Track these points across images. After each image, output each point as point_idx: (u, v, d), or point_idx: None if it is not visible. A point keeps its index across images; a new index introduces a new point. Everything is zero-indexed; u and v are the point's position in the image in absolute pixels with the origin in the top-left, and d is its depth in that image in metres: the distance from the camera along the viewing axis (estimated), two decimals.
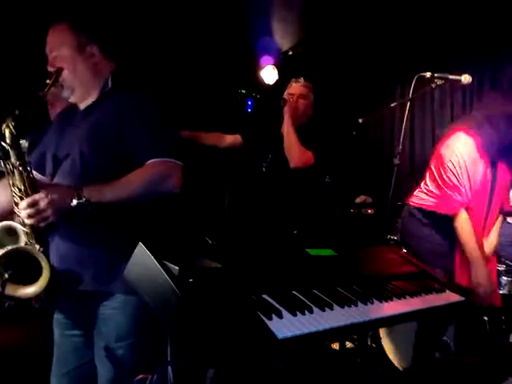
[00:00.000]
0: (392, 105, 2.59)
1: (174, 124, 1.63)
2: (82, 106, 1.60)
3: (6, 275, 1.32)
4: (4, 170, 1.41)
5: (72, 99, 1.59)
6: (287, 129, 2.56)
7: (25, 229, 1.41)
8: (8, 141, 1.36)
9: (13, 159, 1.37)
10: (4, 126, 1.35)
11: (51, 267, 1.37)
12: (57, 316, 1.58)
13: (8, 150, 1.37)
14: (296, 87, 2.73)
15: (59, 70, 1.50)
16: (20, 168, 1.37)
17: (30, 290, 1.36)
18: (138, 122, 1.48)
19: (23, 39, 2.75)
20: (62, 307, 1.55)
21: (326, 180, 2.63)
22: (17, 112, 1.38)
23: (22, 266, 1.36)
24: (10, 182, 1.38)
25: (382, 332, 2.49)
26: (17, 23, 2.93)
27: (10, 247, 1.36)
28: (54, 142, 1.59)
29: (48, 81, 1.48)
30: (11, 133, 1.36)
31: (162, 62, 3.72)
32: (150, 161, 1.43)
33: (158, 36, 3.59)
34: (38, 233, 1.42)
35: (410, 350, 2.17)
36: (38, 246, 1.41)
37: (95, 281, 1.43)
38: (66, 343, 1.57)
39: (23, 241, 1.45)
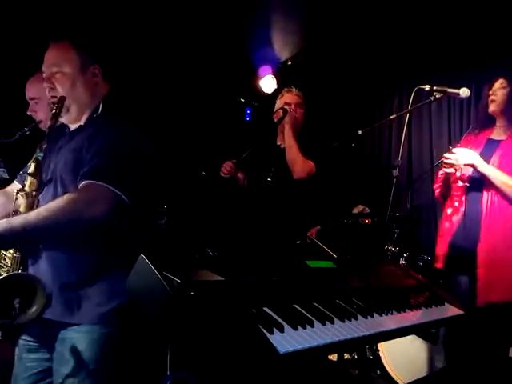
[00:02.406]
0: (391, 117, 2.60)
1: (148, 161, 1.54)
2: (72, 128, 1.58)
3: (17, 304, 1.29)
4: (15, 195, 1.45)
5: (65, 119, 1.56)
6: (289, 140, 2.54)
7: (15, 254, 1.40)
8: (31, 171, 1.42)
9: (28, 187, 1.41)
10: (33, 160, 1.42)
11: (46, 292, 1.35)
12: (20, 338, 1.55)
13: (27, 179, 1.42)
14: (291, 97, 2.73)
15: (62, 99, 1.49)
16: (33, 198, 1.40)
17: (26, 316, 1.33)
18: (98, 145, 1.43)
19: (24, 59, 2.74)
20: (25, 331, 1.53)
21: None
22: (45, 145, 1.42)
23: (18, 294, 1.33)
24: (14, 208, 1.43)
25: (381, 345, 2.48)
26: (18, 40, 2.93)
27: (6, 275, 1.34)
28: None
29: (54, 110, 1.48)
30: (38, 165, 1.42)
31: (161, 71, 3.73)
32: (81, 183, 1.38)
33: (159, 43, 3.60)
34: (24, 259, 1.42)
35: (409, 363, 2.17)
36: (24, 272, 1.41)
37: (65, 311, 1.41)
38: (22, 367, 1.53)
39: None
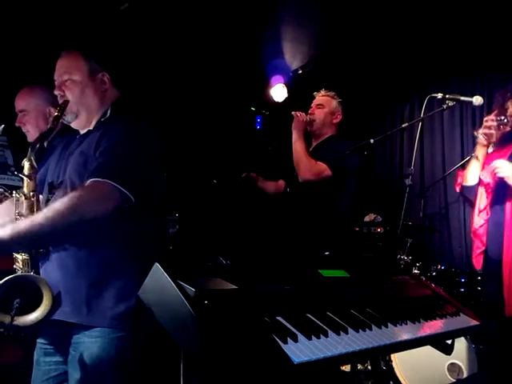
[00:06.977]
0: (403, 125, 2.60)
1: (157, 160, 1.55)
2: (82, 133, 1.61)
3: (16, 304, 1.30)
4: (14, 198, 1.45)
5: (74, 124, 1.59)
6: (294, 142, 2.61)
7: (24, 256, 1.41)
8: (26, 172, 1.42)
9: (25, 189, 1.42)
10: (26, 159, 1.42)
11: (52, 294, 1.37)
12: (37, 342, 1.57)
13: (23, 180, 1.42)
14: (314, 100, 2.79)
15: (65, 103, 1.53)
16: (32, 199, 1.41)
17: (31, 318, 1.35)
18: (105, 143, 1.44)
19: (35, 66, 2.80)
20: (42, 334, 1.54)
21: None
22: (37, 146, 1.44)
23: (23, 294, 1.34)
24: (17, 210, 1.42)
25: (395, 356, 2.45)
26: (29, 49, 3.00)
27: (11, 276, 1.34)
28: (52, 168, 1.61)
29: (56, 112, 1.51)
30: (31, 165, 1.42)
31: (173, 79, 3.77)
32: (88, 181, 1.38)
33: (171, 52, 3.65)
34: (35, 261, 1.43)
35: (422, 374, 2.14)
36: (31, 273, 1.42)
37: (76, 312, 1.42)
38: (40, 371, 1.54)
39: None
